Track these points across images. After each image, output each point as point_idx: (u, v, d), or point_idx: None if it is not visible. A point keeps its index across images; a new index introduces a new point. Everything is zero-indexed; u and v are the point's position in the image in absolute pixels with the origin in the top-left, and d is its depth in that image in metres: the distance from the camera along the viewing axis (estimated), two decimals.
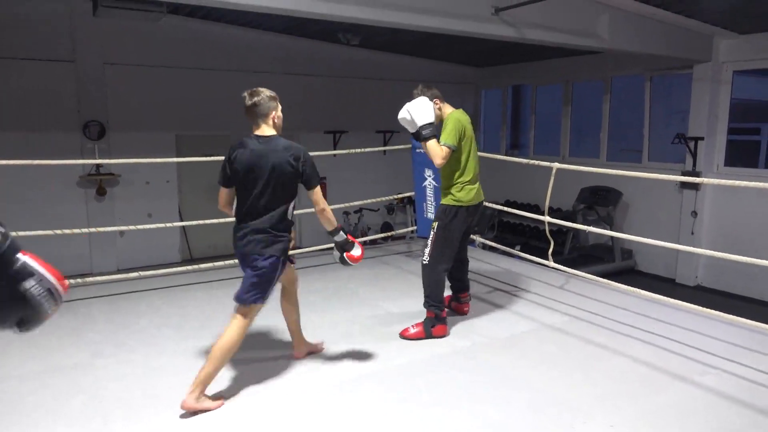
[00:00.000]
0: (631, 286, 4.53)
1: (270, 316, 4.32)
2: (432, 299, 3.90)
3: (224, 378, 3.30)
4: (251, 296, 3.07)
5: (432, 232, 3.92)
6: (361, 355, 3.63)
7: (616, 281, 4.68)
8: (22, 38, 7.81)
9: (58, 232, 4.85)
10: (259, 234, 3.07)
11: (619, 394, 3.14)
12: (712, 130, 8.28)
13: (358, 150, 6.72)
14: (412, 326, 3.93)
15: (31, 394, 3.13)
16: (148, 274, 5.16)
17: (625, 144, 10.10)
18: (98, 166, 8.34)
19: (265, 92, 3.20)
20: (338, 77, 10.20)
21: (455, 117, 3.84)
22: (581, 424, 2.85)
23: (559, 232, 9.35)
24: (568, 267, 5.07)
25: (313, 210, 3.23)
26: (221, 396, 3.08)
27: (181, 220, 8.83)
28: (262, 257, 3.05)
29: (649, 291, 4.36)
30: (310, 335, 3.70)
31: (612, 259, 9.18)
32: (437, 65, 11.08)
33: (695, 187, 8.33)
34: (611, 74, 9.65)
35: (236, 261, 5.47)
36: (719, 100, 8.24)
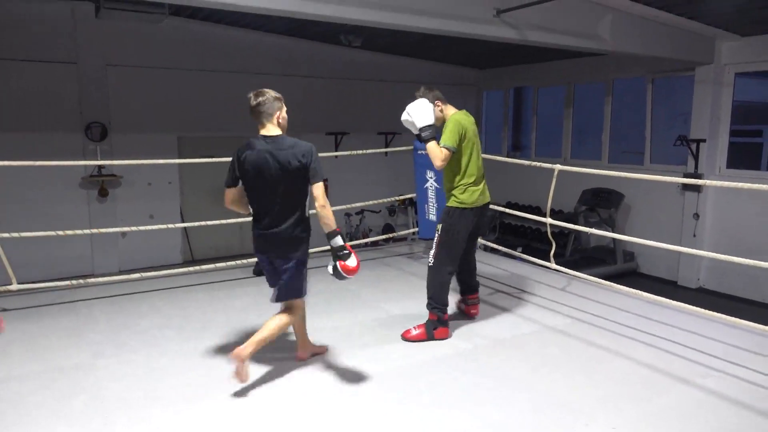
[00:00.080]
0: (633, 288, 4.52)
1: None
2: (435, 301, 3.89)
3: (226, 377, 3.30)
4: (289, 295, 3.30)
5: (436, 234, 3.93)
6: (363, 357, 3.63)
7: (617, 283, 4.67)
8: (24, 40, 7.83)
9: (60, 233, 4.86)
10: (282, 239, 3.19)
11: (620, 396, 3.13)
12: (714, 132, 8.27)
13: (360, 151, 6.73)
14: (414, 328, 3.93)
15: (32, 394, 3.13)
16: (149, 275, 5.16)
17: (627, 146, 10.10)
18: (100, 167, 8.35)
19: (270, 93, 3.23)
20: (340, 79, 10.21)
21: (456, 119, 3.84)
22: (583, 426, 2.84)
23: (560, 234, 9.33)
24: (570, 269, 5.06)
25: (314, 212, 3.23)
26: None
27: (183, 222, 8.83)
28: (287, 260, 3.22)
29: (651, 293, 4.36)
30: (312, 337, 3.70)
31: (614, 261, 9.17)
32: (439, 67, 11.09)
33: (697, 189, 8.32)
34: (613, 76, 9.65)
35: (237, 262, 5.54)
36: (721, 102, 8.23)
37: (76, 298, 4.73)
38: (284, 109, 3.28)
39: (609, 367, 3.52)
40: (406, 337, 3.90)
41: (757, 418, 2.93)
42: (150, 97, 8.75)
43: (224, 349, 3.73)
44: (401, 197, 7.67)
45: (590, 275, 4.95)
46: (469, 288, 4.33)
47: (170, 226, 6.16)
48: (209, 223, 5.64)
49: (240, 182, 3.24)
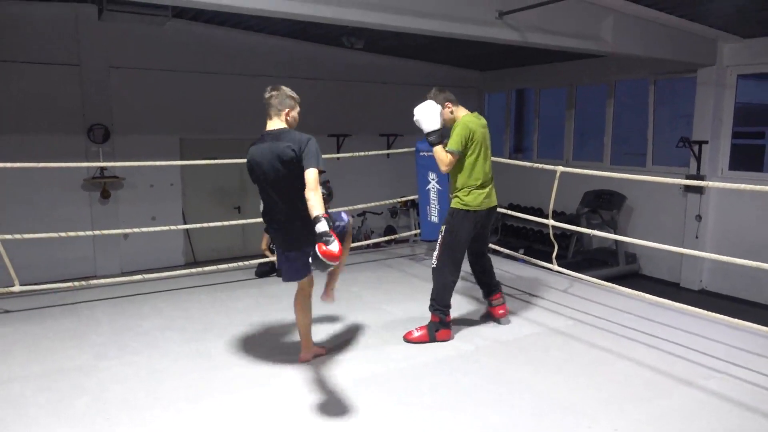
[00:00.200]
0: (635, 290, 4.51)
1: (273, 318, 4.33)
2: (437, 303, 3.89)
3: (228, 379, 3.31)
4: (296, 276, 3.42)
5: (440, 235, 3.93)
6: (365, 358, 3.63)
7: (620, 285, 4.66)
8: (28, 42, 7.85)
9: (63, 234, 4.87)
10: (287, 232, 3.27)
11: (623, 398, 3.13)
12: (716, 133, 8.26)
13: (362, 153, 6.73)
14: (416, 329, 3.92)
15: (34, 395, 3.13)
16: (151, 276, 5.17)
17: (629, 148, 10.09)
18: (102, 169, 8.37)
19: (286, 90, 3.29)
20: (342, 81, 10.22)
21: (464, 122, 3.84)
22: (585, 428, 2.83)
23: (562, 236, 9.32)
24: (572, 271, 5.06)
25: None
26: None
27: (185, 223, 8.85)
28: (297, 251, 3.29)
29: (653, 295, 4.35)
30: (313, 338, 3.69)
31: (616, 263, 9.16)
32: (441, 69, 11.09)
33: (699, 190, 8.31)
34: (615, 78, 9.64)
35: (239, 264, 5.55)
36: (723, 104, 8.22)
37: (79, 299, 4.73)
38: (297, 109, 3.32)
39: (611, 368, 3.51)
40: (408, 339, 3.89)
41: (759, 419, 2.92)
42: (152, 99, 8.77)
43: (226, 351, 3.73)
44: (403, 199, 7.67)
45: (592, 277, 4.94)
46: (490, 289, 4.25)
47: (172, 227, 6.18)
48: (211, 224, 5.64)
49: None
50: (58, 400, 3.08)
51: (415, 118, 3.92)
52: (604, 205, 9.29)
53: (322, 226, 2.78)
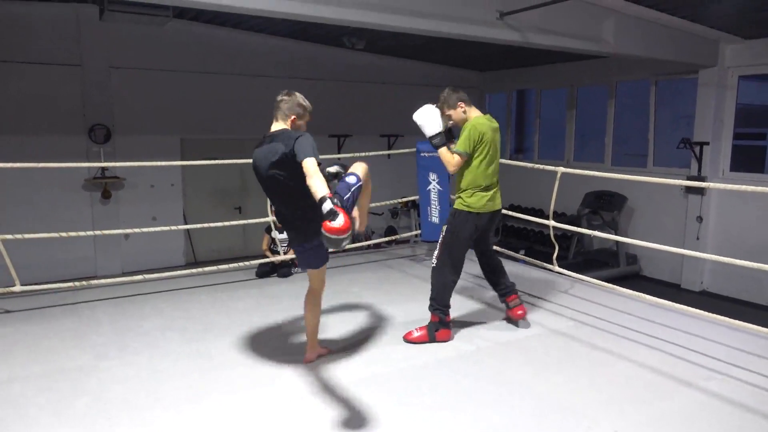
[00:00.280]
0: (636, 291, 4.51)
1: (274, 319, 4.33)
2: (437, 302, 3.89)
3: (228, 379, 3.31)
4: (310, 265, 3.47)
5: (441, 235, 3.93)
6: (365, 359, 3.62)
7: (620, 286, 4.65)
8: (29, 42, 7.86)
9: (64, 234, 4.87)
10: (294, 227, 3.32)
11: (623, 400, 3.12)
12: (717, 135, 8.26)
13: (363, 154, 6.72)
14: (416, 330, 3.92)
15: (35, 395, 3.13)
16: (152, 277, 5.16)
17: (630, 149, 10.09)
18: (103, 169, 8.38)
19: (298, 98, 3.29)
20: (342, 81, 10.22)
21: (473, 123, 3.81)
22: (586, 429, 2.83)
23: (563, 237, 9.32)
24: (573, 272, 5.06)
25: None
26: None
27: (186, 224, 8.85)
28: (305, 244, 3.34)
29: (654, 296, 4.34)
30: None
31: (617, 264, 9.15)
32: (441, 69, 11.09)
33: (700, 191, 8.31)
34: (616, 79, 9.64)
35: (240, 264, 5.56)
36: (725, 105, 8.22)
37: (79, 299, 4.73)
38: (305, 118, 3.31)
39: (612, 370, 3.51)
40: (407, 339, 3.89)
41: (760, 420, 2.91)
42: (153, 100, 8.77)
43: (227, 351, 3.73)
44: (404, 199, 7.66)
45: (593, 278, 4.93)
46: (504, 290, 4.19)
47: (173, 228, 6.18)
48: (212, 225, 5.65)
49: None
50: (59, 401, 3.08)
51: (418, 123, 3.92)
52: (605, 206, 9.28)
53: (326, 206, 2.73)
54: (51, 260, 7.71)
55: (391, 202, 7.71)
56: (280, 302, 4.70)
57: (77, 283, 4.87)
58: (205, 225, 5.67)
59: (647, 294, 4.39)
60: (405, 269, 5.85)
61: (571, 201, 9.40)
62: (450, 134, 4.00)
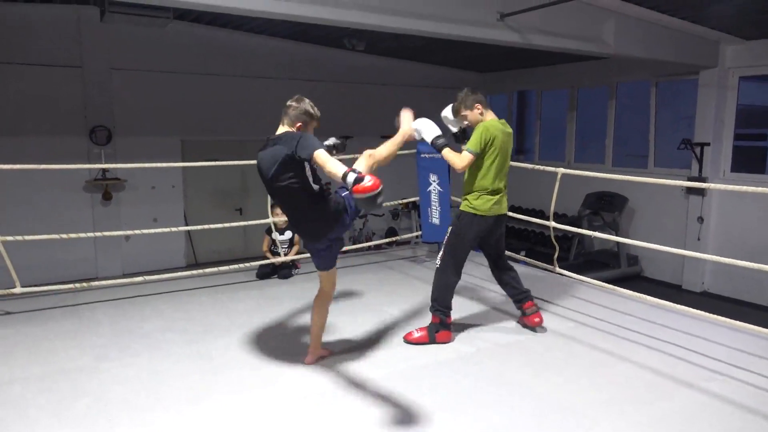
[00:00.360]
0: (637, 292, 4.50)
1: (274, 320, 4.33)
2: (438, 303, 3.88)
3: (229, 380, 3.31)
4: (323, 266, 3.48)
5: (446, 236, 3.93)
6: (365, 360, 3.62)
7: (621, 287, 4.65)
8: (30, 43, 7.87)
9: (64, 236, 4.88)
10: (302, 230, 3.35)
11: (624, 400, 3.12)
12: (718, 135, 8.26)
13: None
14: (416, 330, 3.92)
15: (35, 397, 3.13)
16: (153, 278, 5.17)
17: (631, 149, 10.08)
18: (104, 170, 8.39)
19: (306, 105, 3.29)
20: (342, 82, 10.23)
21: (485, 125, 3.81)
22: (586, 430, 2.83)
23: (564, 238, 9.32)
24: (574, 273, 5.05)
25: None
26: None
27: (186, 225, 8.86)
28: (317, 245, 3.37)
29: (655, 297, 4.34)
30: None
31: (618, 265, 9.14)
32: (441, 70, 11.10)
33: (701, 192, 8.31)
34: (617, 80, 9.64)
35: (240, 266, 5.56)
36: (725, 106, 8.22)
37: (80, 301, 4.74)
38: (312, 125, 3.32)
39: (612, 370, 3.50)
40: (408, 339, 3.89)
41: (761, 421, 2.91)
42: (154, 101, 8.78)
43: (227, 352, 3.73)
44: (404, 201, 7.66)
45: (594, 279, 4.93)
46: (519, 298, 4.15)
47: (173, 229, 6.18)
48: (213, 226, 5.65)
49: None
50: (59, 402, 3.08)
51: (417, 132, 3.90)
52: (605, 206, 9.28)
53: (350, 178, 2.75)
54: (52, 262, 7.72)
55: (392, 203, 7.71)
56: (281, 304, 4.69)
57: (77, 285, 4.87)
58: (206, 226, 5.67)
59: (648, 295, 4.39)
60: (405, 270, 5.85)
61: (572, 202, 9.39)
62: (464, 135, 4.00)
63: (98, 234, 5.53)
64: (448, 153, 3.81)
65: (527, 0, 5.79)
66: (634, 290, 4.53)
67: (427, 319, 3.96)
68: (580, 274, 5.04)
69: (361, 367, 3.53)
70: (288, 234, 5.65)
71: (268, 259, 5.58)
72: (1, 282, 4.69)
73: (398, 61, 10.60)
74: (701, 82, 8.29)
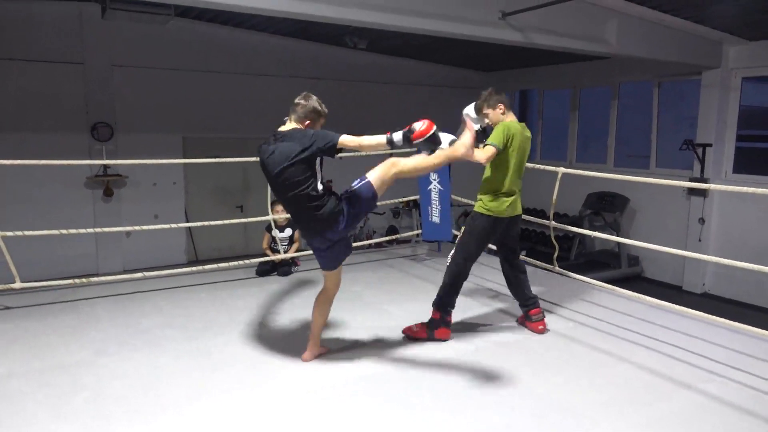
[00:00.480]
0: (638, 292, 4.49)
1: (274, 317, 4.32)
2: (443, 300, 3.89)
3: (228, 377, 3.30)
4: (324, 266, 3.47)
5: (459, 236, 3.95)
6: (365, 358, 3.61)
7: (622, 288, 4.64)
8: (31, 40, 7.87)
9: (65, 232, 4.88)
10: (304, 227, 3.34)
11: (623, 401, 3.11)
12: (720, 136, 8.24)
13: (364, 153, 6.71)
14: (416, 325, 3.92)
15: (34, 391, 3.13)
16: (153, 274, 5.17)
17: (633, 150, 10.07)
18: (106, 167, 8.39)
19: (314, 103, 3.34)
20: (344, 81, 10.21)
21: (506, 124, 3.82)
22: (585, 430, 2.82)
23: (565, 238, 9.31)
24: (574, 273, 5.04)
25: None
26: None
27: (187, 222, 8.86)
28: (323, 242, 3.34)
29: (656, 298, 4.33)
30: None
31: (618, 266, 9.13)
32: (444, 69, 11.08)
33: (703, 193, 8.29)
34: (619, 80, 9.62)
35: (240, 263, 5.57)
36: (728, 107, 8.20)
37: (79, 296, 4.74)
38: (319, 122, 3.38)
39: (612, 371, 3.50)
40: (406, 333, 3.90)
41: (759, 423, 2.90)
42: (155, 98, 8.78)
43: (226, 349, 3.73)
44: (405, 199, 7.66)
45: (594, 279, 4.92)
46: (526, 303, 4.13)
47: (174, 226, 6.19)
48: (213, 223, 5.65)
49: None
50: (57, 396, 3.08)
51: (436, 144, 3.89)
52: (606, 207, 9.27)
53: (397, 136, 2.97)
54: (52, 257, 7.72)
55: (393, 201, 7.70)
56: (280, 301, 4.69)
57: (77, 280, 4.87)
58: (207, 223, 5.67)
59: (649, 296, 4.38)
60: (406, 269, 5.85)
61: (573, 202, 9.38)
62: (484, 133, 4.01)
63: (99, 230, 5.52)
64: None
65: None
66: (634, 291, 4.53)
67: (426, 318, 3.95)
68: (581, 274, 5.03)
69: (360, 365, 3.52)
70: (288, 231, 5.65)
71: (268, 256, 5.58)
72: (1, 277, 4.69)
73: (400, 60, 10.58)
74: (704, 82, 8.27)
